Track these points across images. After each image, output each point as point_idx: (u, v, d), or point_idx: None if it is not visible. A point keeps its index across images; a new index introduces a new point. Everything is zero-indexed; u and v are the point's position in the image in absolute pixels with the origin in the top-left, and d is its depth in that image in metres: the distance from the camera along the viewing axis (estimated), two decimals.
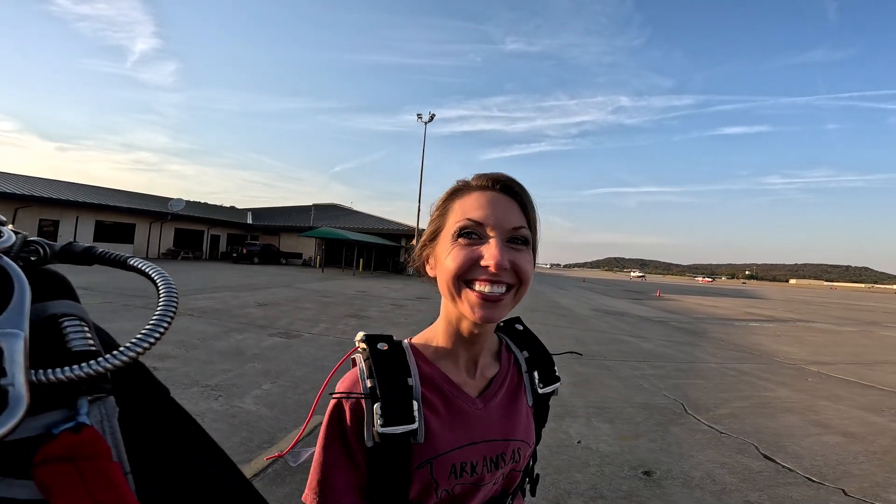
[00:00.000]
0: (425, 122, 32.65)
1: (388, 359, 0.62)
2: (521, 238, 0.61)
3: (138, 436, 0.27)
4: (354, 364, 0.65)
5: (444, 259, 0.61)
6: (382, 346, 0.64)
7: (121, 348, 0.25)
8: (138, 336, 0.25)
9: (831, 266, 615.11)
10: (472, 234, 0.60)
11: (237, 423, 3.34)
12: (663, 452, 3.39)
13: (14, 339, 0.22)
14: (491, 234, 0.59)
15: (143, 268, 0.32)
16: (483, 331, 0.64)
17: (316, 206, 43.39)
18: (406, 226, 34.88)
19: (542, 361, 0.75)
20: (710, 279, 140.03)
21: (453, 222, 0.62)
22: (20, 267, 0.25)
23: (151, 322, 0.27)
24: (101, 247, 0.33)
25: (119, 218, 28.88)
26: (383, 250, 34.54)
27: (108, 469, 0.23)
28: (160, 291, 0.29)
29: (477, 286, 0.58)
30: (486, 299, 0.57)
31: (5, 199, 22.65)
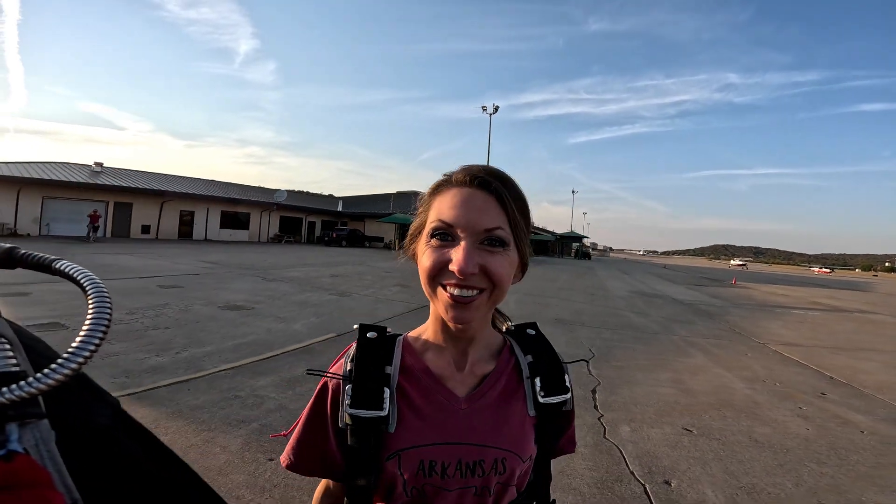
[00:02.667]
0: (490, 114, 34.15)
1: (372, 347, 0.65)
2: (497, 239, 0.58)
3: (85, 459, 0.26)
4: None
5: (421, 258, 0.61)
6: (372, 334, 0.67)
7: (48, 368, 0.23)
8: (69, 352, 0.24)
9: None
10: (444, 235, 0.59)
11: (287, 334, 5.85)
12: None
13: None
14: (461, 236, 0.58)
15: (70, 271, 0.29)
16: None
17: (397, 193, 47.15)
18: None
19: (549, 369, 0.69)
20: (828, 270, 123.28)
21: (430, 221, 0.61)
22: None
23: (83, 334, 0.25)
24: (25, 247, 0.30)
25: (238, 208, 34.77)
26: None
27: (49, 498, 0.22)
28: (90, 299, 0.27)
29: (449, 289, 0.58)
30: (457, 301, 0.57)
31: (154, 195, 28.78)
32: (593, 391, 4.62)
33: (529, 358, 0.70)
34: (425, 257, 0.60)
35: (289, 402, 3.72)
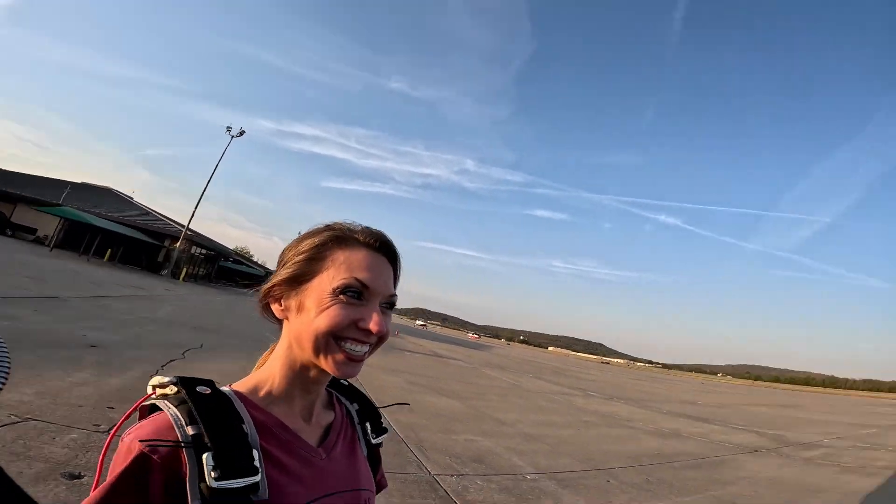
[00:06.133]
0: (232, 136, 33.78)
1: (212, 403, 0.52)
2: (392, 304, 0.64)
3: None
4: (147, 412, 0.54)
5: (318, 311, 0.58)
6: (204, 389, 0.54)
7: None
8: None
9: (577, 339, 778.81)
10: (357, 294, 0.59)
11: None
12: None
13: None
14: (373, 297, 0.60)
15: None
16: (325, 379, 0.64)
17: (80, 184, 38.56)
18: (178, 226, 34.17)
19: (372, 413, 0.77)
20: (477, 336, 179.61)
21: (336, 276, 0.59)
22: None
23: None
24: None
25: None
26: (142, 245, 32.58)
27: None
28: None
29: (348, 345, 0.58)
30: (350, 359, 0.58)
31: None
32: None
33: (356, 406, 0.76)
34: (332, 311, 0.57)
35: None
